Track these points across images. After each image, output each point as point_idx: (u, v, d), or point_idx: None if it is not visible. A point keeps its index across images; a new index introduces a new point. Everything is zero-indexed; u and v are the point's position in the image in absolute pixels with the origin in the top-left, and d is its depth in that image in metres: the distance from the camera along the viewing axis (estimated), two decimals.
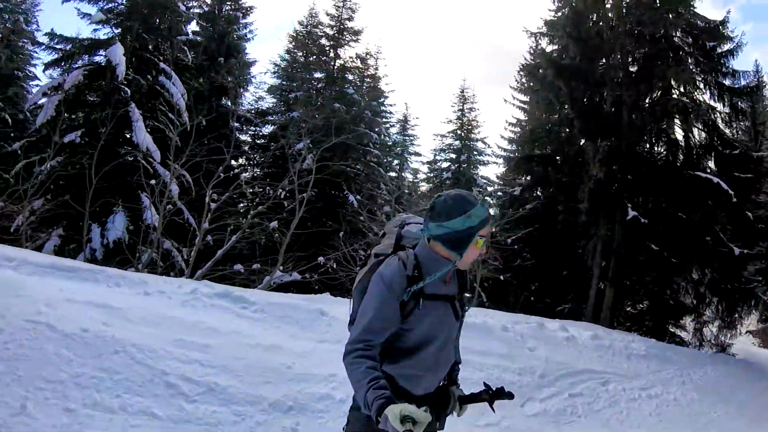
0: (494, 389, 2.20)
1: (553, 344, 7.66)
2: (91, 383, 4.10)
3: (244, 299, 6.46)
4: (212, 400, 4.37)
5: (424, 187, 26.68)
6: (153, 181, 12.63)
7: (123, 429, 3.73)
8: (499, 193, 22.29)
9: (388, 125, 26.41)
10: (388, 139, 25.71)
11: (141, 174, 12.67)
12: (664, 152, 13.87)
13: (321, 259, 13.62)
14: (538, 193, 17.18)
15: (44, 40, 16.10)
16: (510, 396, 2.18)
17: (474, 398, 2.21)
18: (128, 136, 14.69)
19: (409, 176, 28.30)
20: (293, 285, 14.09)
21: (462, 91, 25.71)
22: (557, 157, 15.54)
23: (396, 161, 26.99)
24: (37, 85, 17.09)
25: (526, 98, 20.64)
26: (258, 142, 22.72)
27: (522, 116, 21.74)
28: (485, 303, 16.05)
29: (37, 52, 18.72)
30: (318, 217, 18.00)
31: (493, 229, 13.75)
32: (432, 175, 26.34)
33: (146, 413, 3.94)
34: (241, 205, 16.49)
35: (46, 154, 12.24)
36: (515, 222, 15.59)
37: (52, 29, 15.80)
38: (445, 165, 25.40)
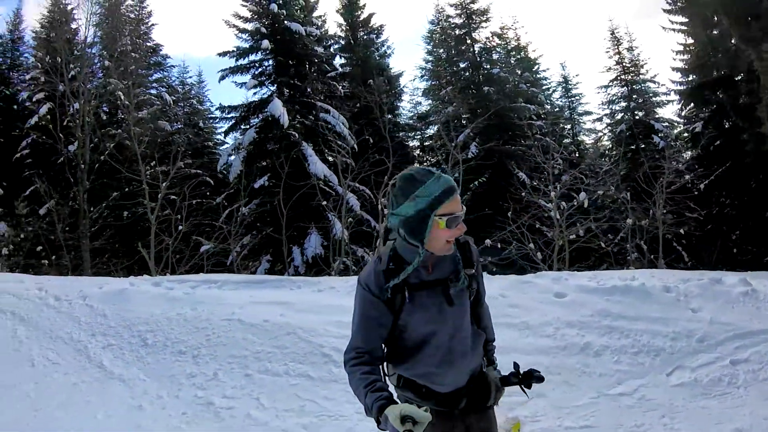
0: (523, 372, 2.08)
1: (724, 302, 6.36)
2: (266, 356, 5.17)
3: None
4: None
5: (606, 144, 24.44)
6: (327, 203, 14.89)
7: (285, 386, 4.66)
8: (685, 134, 19.34)
9: (549, 90, 25.12)
10: (550, 106, 24.36)
11: (320, 198, 15.05)
12: None
13: (488, 241, 13.94)
14: (725, 125, 14.55)
15: (217, 113, 19.77)
16: (539, 380, 2.05)
17: (505, 382, 2.10)
18: (307, 169, 16.87)
19: (585, 139, 26.06)
20: None
21: (612, 32, 22.84)
22: (736, 78, 13.12)
23: (568, 126, 25.34)
24: (224, 149, 20.46)
25: (684, 18, 17.71)
26: (425, 144, 23.77)
27: (684, 40, 18.69)
28: (687, 262, 14.33)
29: (216, 122, 22.64)
30: (488, 200, 18.22)
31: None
32: (608, 131, 24.02)
33: (303, 376, 4.83)
34: None
35: (243, 201, 14.91)
36: (703, 163, 13.60)
37: (220, 103, 19.36)
38: (618, 117, 22.83)
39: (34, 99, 18.04)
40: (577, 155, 21.30)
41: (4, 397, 4.22)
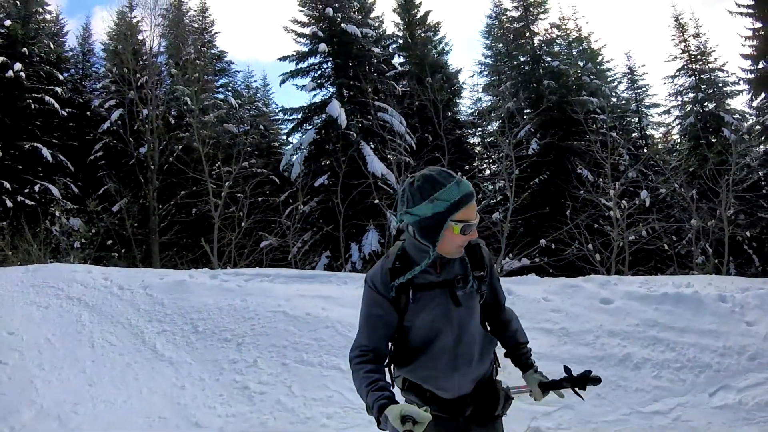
0: (576, 375, 2.02)
1: None
2: (304, 348, 5.43)
3: None
4: None
5: (675, 138, 23.06)
6: (384, 200, 15.14)
7: (317, 376, 4.90)
8: (757, 127, 17.81)
9: (614, 82, 23.80)
10: (616, 99, 23.16)
11: (377, 196, 15.32)
12: None
13: (542, 241, 13.60)
14: None
15: (280, 115, 20.88)
16: (596, 381, 2.00)
17: (555, 385, 2.04)
18: (364, 167, 17.21)
19: (654, 133, 24.35)
20: (529, 269, 14.21)
21: (676, 19, 21.35)
22: None
23: (635, 120, 23.92)
24: (287, 149, 21.23)
25: (750, 1, 16.46)
26: (486, 140, 23.40)
27: (752, 24, 17.30)
28: (758, 267, 13.28)
29: (281, 123, 23.47)
30: (546, 198, 17.81)
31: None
32: (676, 124, 22.64)
33: (336, 368, 5.04)
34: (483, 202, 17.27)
35: (303, 199, 15.57)
36: None
37: (282, 106, 20.38)
38: (687, 108, 21.42)
39: (105, 106, 19.52)
40: (645, 150, 20.20)
41: (63, 372, 4.77)
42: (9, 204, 16.59)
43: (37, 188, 17.39)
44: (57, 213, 15.19)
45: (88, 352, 5.15)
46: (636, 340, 5.20)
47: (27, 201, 16.91)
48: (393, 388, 1.87)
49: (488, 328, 2.08)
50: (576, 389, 2.01)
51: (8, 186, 16.95)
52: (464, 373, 1.91)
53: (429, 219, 1.76)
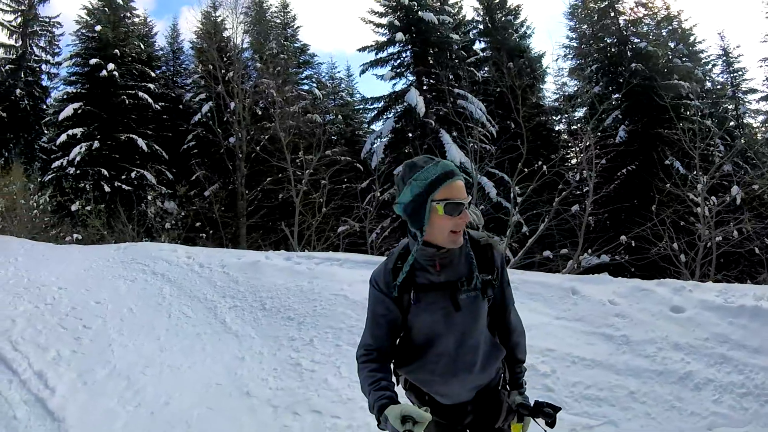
0: (533, 403, 1.93)
1: None
2: (358, 331, 5.62)
3: None
4: None
5: None
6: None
7: None
8: None
9: (709, 65, 21.81)
10: (711, 83, 21.19)
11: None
12: None
13: (623, 238, 12.78)
14: None
15: (361, 105, 21.77)
16: (547, 416, 1.84)
17: (525, 410, 1.94)
18: (443, 156, 17.22)
19: (752, 121, 22.27)
20: (608, 267, 13.49)
21: None
22: None
23: (732, 106, 21.77)
24: (369, 137, 21.79)
25: None
26: (572, 127, 22.46)
27: None
28: None
29: (365, 113, 24.03)
30: (631, 191, 16.83)
31: None
32: None
33: None
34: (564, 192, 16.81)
35: (381, 187, 16.01)
36: None
37: (363, 96, 21.38)
38: None
39: (196, 99, 21.09)
40: (742, 141, 18.29)
41: (140, 338, 5.40)
42: (107, 189, 18.35)
43: (133, 175, 19.07)
44: (149, 197, 16.62)
45: (165, 322, 5.77)
46: (702, 356, 4.64)
47: (124, 186, 18.62)
48: (398, 386, 1.88)
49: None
50: (537, 421, 1.90)
51: (106, 173, 18.67)
52: (463, 380, 1.87)
53: (412, 203, 1.73)
